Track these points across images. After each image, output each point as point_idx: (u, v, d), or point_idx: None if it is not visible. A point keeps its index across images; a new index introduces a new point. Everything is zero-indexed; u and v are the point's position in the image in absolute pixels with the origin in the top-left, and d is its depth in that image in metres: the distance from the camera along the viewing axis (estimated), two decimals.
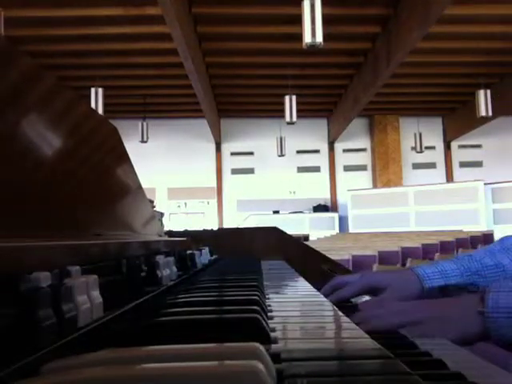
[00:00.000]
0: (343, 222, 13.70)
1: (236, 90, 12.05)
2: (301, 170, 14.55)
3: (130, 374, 0.28)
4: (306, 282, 0.98)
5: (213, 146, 14.52)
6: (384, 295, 0.81)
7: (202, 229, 2.04)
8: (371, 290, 0.85)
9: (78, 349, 0.36)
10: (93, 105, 9.09)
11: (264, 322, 0.45)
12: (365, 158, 14.70)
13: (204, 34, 8.66)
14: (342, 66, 10.44)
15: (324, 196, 14.47)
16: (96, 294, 0.48)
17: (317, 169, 14.64)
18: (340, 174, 14.64)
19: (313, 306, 0.72)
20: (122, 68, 10.00)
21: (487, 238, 9.57)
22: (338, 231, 13.29)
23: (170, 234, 1.75)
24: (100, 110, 9.02)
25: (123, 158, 1.17)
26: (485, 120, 11.00)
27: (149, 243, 0.96)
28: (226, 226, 13.78)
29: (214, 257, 1.52)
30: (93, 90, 9.30)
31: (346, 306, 0.77)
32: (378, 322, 0.67)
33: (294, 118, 9.75)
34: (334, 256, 2.93)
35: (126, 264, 0.66)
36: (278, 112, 11.50)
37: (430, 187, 12.75)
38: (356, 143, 14.67)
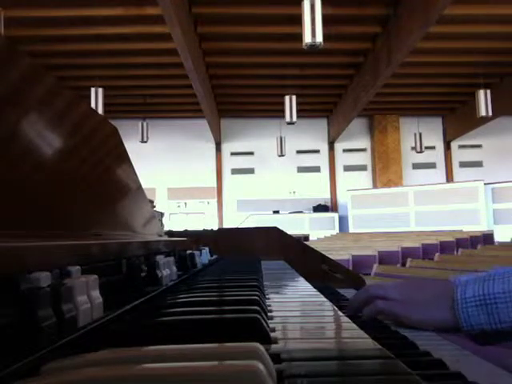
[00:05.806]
0: (343, 221, 13.70)
1: (236, 90, 12.05)
2: (301, 170, 14.55)
3: (130, 373, 0.28)
4: (306, 282, 0.98)
5: (213, 146, 14.52)
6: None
7: (202, 229, 2.04)
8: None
9: (78, 349, 0.36)
10: (93, 105, 9.09)
11: (264, 322, 0.45)
12: (365, 158, 14.70)
13: (204, 33, 8.66)
14: (342, 66, 10.44)
15: (324, 196, 14.47)
16: (96, 294, 0.48)
17: (317, 169, 14.64)
18: (340, 174, 14.64)
19: (313, 306, 0.72)
20: (122, 68, 10.00)
21: (487, 238, 9.55)
22: (338, 231, 13.29)
23: (170, 234, 1.75)
24: (100, 110, 9.01)
25: (123, 157, 1.17)
26: (485, 120, 11.00)
27: (149, 243, 0.96)
28: (226, 225, 13.78)
29: (214, 257, 1.52)
30: (93, 90, 9.30)
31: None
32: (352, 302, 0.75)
33: (294, 118, 9.76)
34: (334, 256, 2.93)
35: (126, 264, 0.66)
36: (278, 112, 11.51)
37: (429, 187, 12.76)
38: (356, 143, 14.67)
